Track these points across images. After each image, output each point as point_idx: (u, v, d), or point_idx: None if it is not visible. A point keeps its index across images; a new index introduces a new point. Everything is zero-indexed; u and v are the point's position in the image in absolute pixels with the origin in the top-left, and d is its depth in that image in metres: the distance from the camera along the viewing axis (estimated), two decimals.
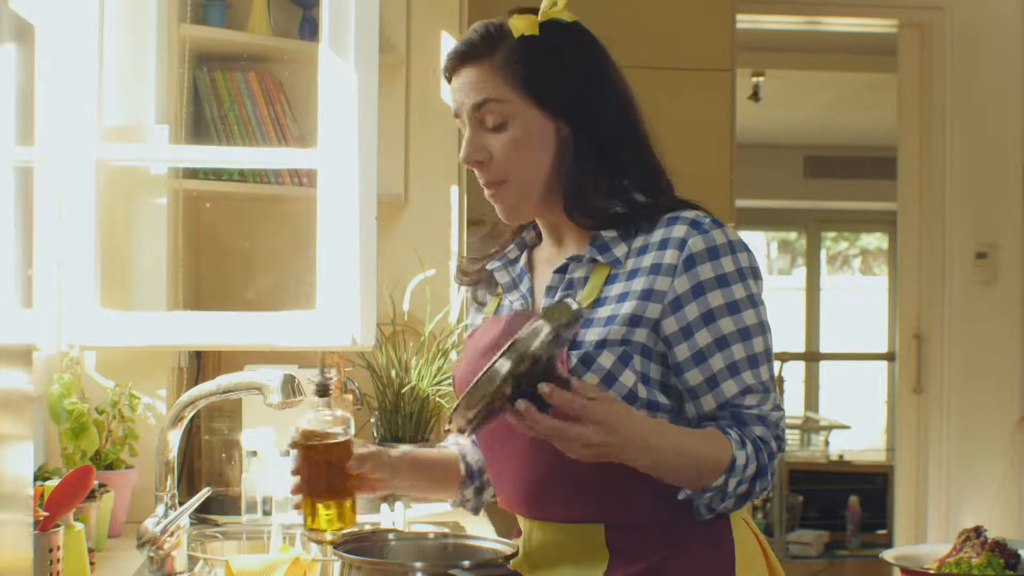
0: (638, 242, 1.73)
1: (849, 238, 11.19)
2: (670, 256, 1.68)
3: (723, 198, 4.24)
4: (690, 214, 1.72)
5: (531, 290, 1.82)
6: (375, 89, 2.66)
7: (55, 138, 2.58)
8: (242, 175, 3.10)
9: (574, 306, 1.52)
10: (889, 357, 8.84)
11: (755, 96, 7.18)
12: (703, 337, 1.66)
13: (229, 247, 3.27)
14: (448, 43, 3.30)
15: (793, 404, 9.28)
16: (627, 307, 1.67)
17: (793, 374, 9.37)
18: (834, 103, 8.01)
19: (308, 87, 2.94)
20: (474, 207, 3.46)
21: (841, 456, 8.05)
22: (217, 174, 3.07)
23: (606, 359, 1.66)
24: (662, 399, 1.69)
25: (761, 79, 7.16)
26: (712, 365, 1.66)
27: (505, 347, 1.49)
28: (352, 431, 1.82)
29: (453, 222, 3.30)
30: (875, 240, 11.14)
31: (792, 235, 10.64)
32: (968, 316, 5.04)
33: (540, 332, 1.48)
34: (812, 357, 9.80)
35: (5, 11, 1.25)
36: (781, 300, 10.51)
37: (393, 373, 2.99)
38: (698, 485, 1.63)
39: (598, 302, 1.71)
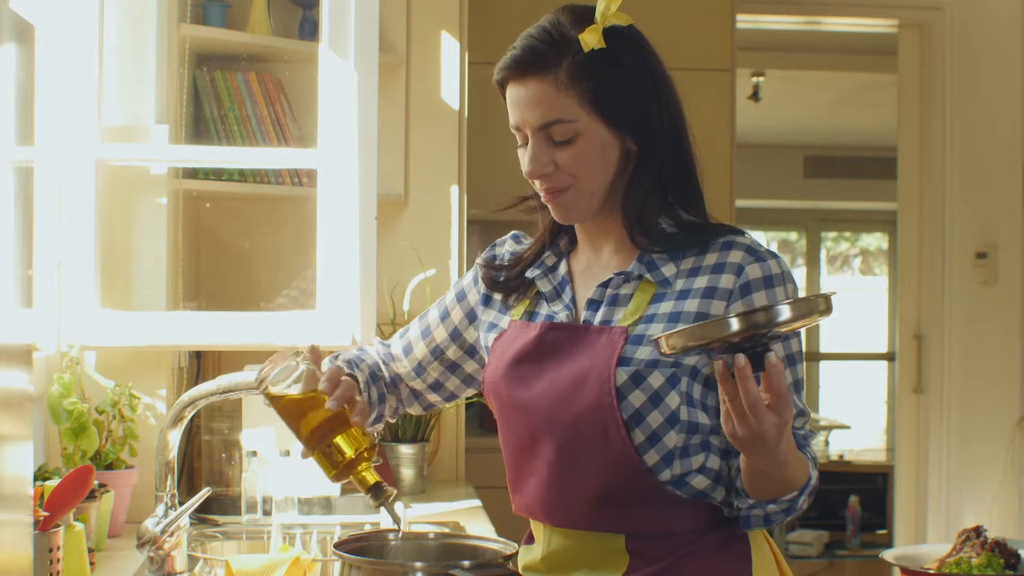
0: (687, 263, 1.72)
1: (849, 238, 11.19)
2: (726, 280, 1.68)
3: (723, 198, 4.24)
4: (745, 240, 1.72)
5: (573, 300, 1.78)
6: (375, 89, 2.66)
7: (55, 138, 2.58)
8: (242, 175, 3.10)
9: (828, 307, 1.50)
10: (889, 357, 8.84)
11: (755, 96, 7.18)
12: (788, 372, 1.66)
13: (229, 247, 3.27)
14: (448, 43, 3.31)
15: None
16: (657, 331, 1.67)
17: None
18: (834, 103, 8.01)
19: (308, 87, 2.94)
20: (474, 207, 3.46)
21: (841, 456, 8.05)
22: (217, 174, 3.07)
23: (656, 379, 1.65)
24: (702, 419, 1.68)
25: (761, 79, 7.16)
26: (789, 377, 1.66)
27: (756, 308, 1.49)
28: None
29: (453, 222, 3.30)
30: (875, 240, 11.14)
31: (792, 235, 10.63)
32: (968, 316, 5.04)
33: (787, 312, 1.46)
34: (812, 357, 9.80)
35: (5, 11, 1.25)
36: None
37: None
38: (767, 496, 1.63)
39: (645, 319, 1.69)
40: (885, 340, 9.63)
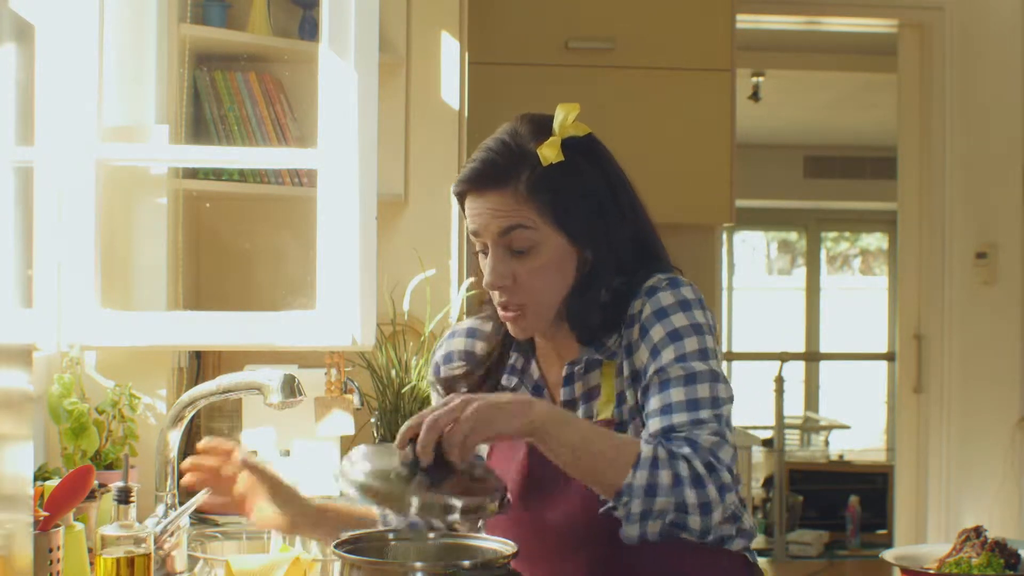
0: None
1: (849, 238, 11.20)
2: (635, 332, 1.72)
3: (723, 198, 4.24)
4: (651, 281, 1.74)
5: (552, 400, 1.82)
6: (375, 89, 2.66)
7: (55, 138, 2.58)
8: (242, 175, 3.10)
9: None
10: (889, 357, 8.84)
11: (755, 96, 7.18)
12: (677, 390, 1.68)
13: (229, 247, 3.27)
14: (448, 43, 3.30)
15: (793, 404, 9.29)
16: (630, 401, 1.73)
17: (793, 374, 9.38)
18: (834, 103, 8.01)
19: (308, 87, 2.94)
20: None
21: (841, 456, 8.06)
22: (217, 174, 3.07)
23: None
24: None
25: (761, 79, 7.16)
26: (672, 395, 1.67)
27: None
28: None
29: (453, 222, 3.30)
30: (875, 240, 11.15)
31: (792, 235, 10.64)
32: (968, 316, 5.04)
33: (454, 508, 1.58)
34: (812, 357, 9.80)
35: (5, 11, 1.25)
36: (781, 300, 10.52)
37: (393, 373, 2.99)
38: (606, 481, 1.60)
39: (617, 399, 1.74)
40: (885, 340, 9.63)
